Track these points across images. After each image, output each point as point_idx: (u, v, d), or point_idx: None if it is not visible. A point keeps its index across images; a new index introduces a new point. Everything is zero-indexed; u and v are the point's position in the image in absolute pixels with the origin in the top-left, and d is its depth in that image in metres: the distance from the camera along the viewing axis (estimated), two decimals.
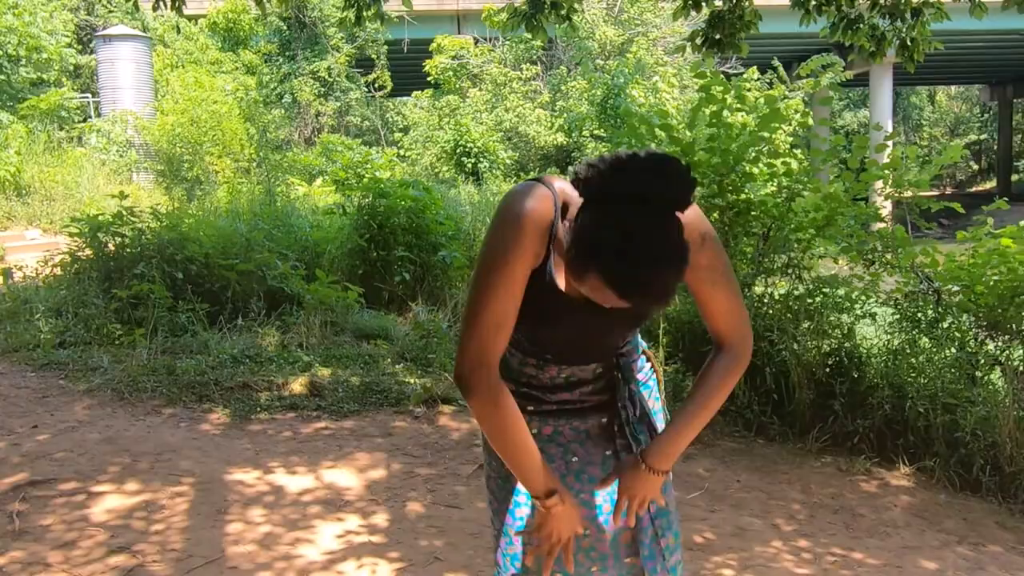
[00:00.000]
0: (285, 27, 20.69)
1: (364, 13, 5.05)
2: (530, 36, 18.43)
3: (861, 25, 4.80)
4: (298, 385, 5.08)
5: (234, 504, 3.44)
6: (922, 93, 42.34)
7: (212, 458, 3.97)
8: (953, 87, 40.92)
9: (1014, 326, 4.83)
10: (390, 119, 26.45)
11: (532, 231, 1.40)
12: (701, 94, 5.58)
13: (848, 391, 4.32)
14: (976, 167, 39.90)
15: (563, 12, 4.88)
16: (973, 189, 36.48)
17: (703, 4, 4.83)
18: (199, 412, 4.65)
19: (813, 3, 4.81)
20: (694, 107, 5.68)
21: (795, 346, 4.70)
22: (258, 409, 4.71)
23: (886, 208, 6.40)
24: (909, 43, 4.79)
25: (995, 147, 36.81)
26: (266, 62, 20.98)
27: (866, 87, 27.33)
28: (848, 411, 4.24)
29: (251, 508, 3.40)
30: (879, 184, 5.53)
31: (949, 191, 36.69)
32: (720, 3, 4.85)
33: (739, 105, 5.88)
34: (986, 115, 39.97)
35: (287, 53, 21.20)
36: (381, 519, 3.34)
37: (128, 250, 6.57)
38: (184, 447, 4.10)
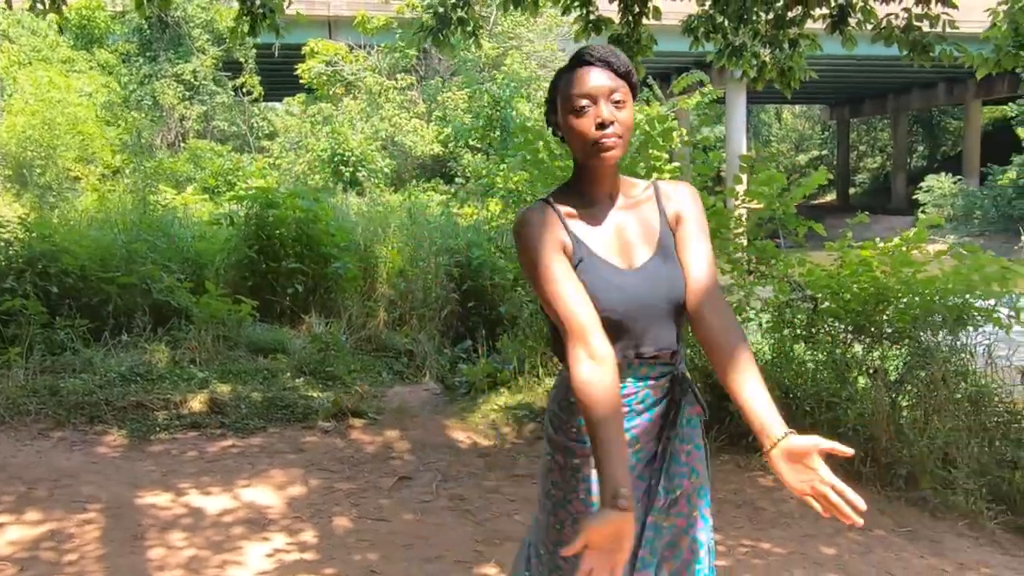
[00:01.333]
0: (146, 26, 19.68)
1: (259, 23, 4.95)
2: (404, 45, 18.18)
3: (745, 53, 5.17)
4: (197, 402, 4.91)
5: (150, 528, 3.31)
6: (770, 111, 45.30)
7: (115, 482, 3.79)
8: (798, 106, 43.99)
9: (876, 330, 5.32)
10: (256, 125, 25.67)
11: (539, 221, 1.63)
12: None
13: None
14: None
15: (469, 28, 4.98)
16: (816, 201, 39.32)
17: (603, 27, 5.06)
18: (92, 434, 4.42)
19: (702, 31, 5.14)
20: None
21: (689, 351, 5.00)
22: (157, 429, 4.52)
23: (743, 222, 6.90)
24: (787, 71, 5.20)
25: (835, 163, 39.83)
26: (124, 62, 19.89)
27: (722, 104, 29.02)
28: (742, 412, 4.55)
29: (169, 532, 3.28)
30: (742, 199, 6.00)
31: (797, 203, 39.40)
32: (619, 27, 5.09)
33: None
34: (826, 133, 43.21)
35: (148, 53, 20.18)
36: (309, 536, 3.31)
37: None
38: (82, 472, 3.89)
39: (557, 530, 1.66)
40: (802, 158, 42.82)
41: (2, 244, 6.20)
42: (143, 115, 19.03)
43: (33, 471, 3.84)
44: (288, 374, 5.65)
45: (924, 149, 38.96)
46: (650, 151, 5.79)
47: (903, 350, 5.14)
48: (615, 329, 1.59)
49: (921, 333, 5.13)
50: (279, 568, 3.02)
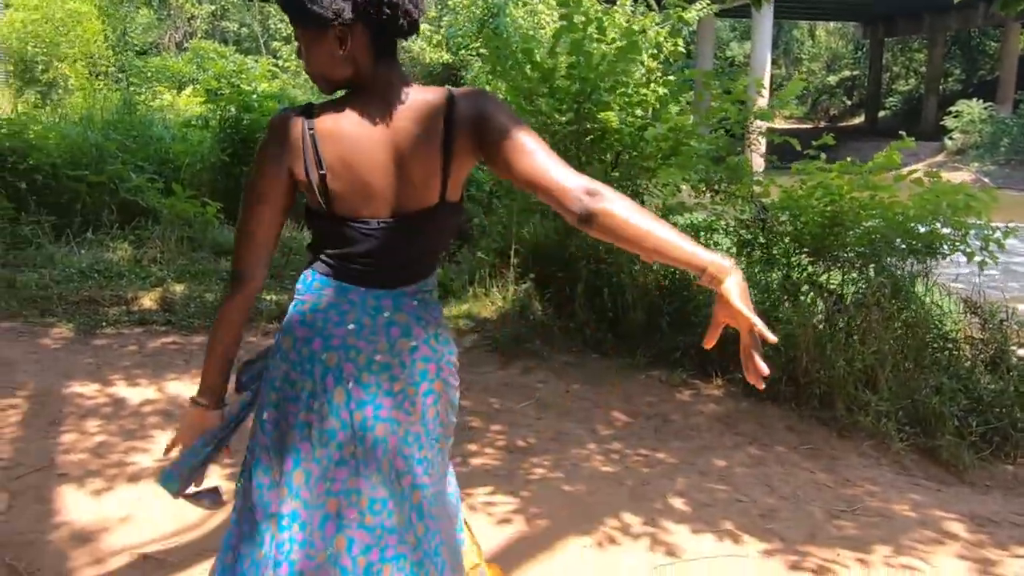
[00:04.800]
0: None
1: None
2: None
3: None
4: (148, 300, 5.05)
5: (70, 416, 3.46)
6: (803, 27, 43.65)
7: (51, 371, 3.94)
8: (832, 24, 42.33)
9: (832, 253, 5.29)
10: (272, 26, 25.23)
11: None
12: (563, 22, 5.70)
13: (675, 311, 4.67)
14: (848, 102, 41.78)
15: None
16: (842, 124, 38.29)
17: None
18: (40, 327, 4.57)
19: None
20: (554, 34, 5.80)
21: (635, 268, 5.02)
22: (104, 324, 4.67)
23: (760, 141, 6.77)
24: None
25: (866, 84, 38.56)
26: None
27: (748, 19, 28.06)
28: (673, 329, 4.60)
29: (87, 419, 3.44)
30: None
31: (823, 124, 38.44)
32: None
33: (599, 36, 6.02)
34: (859, 53, 41.69)
35: None
36: None
37: None
38: (22, 361, 4.05)
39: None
40: (832, 78, 41.47)
41: None
42: (151, 13, 18.78)
43: None
44: None
45: (960, 72, 37.50)
46: (619, 65, 5.60)
47: (864, 273, 5.14)
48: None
49: (885, 258, 5.12)
50: None
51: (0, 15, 14.32)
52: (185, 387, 3.87)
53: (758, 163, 8.30)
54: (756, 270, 5.24)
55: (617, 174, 5.52)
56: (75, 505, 2.74)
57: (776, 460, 3.54)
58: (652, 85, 6.21)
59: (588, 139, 5.67)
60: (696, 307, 4.68)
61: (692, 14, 9.34)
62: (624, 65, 5.70)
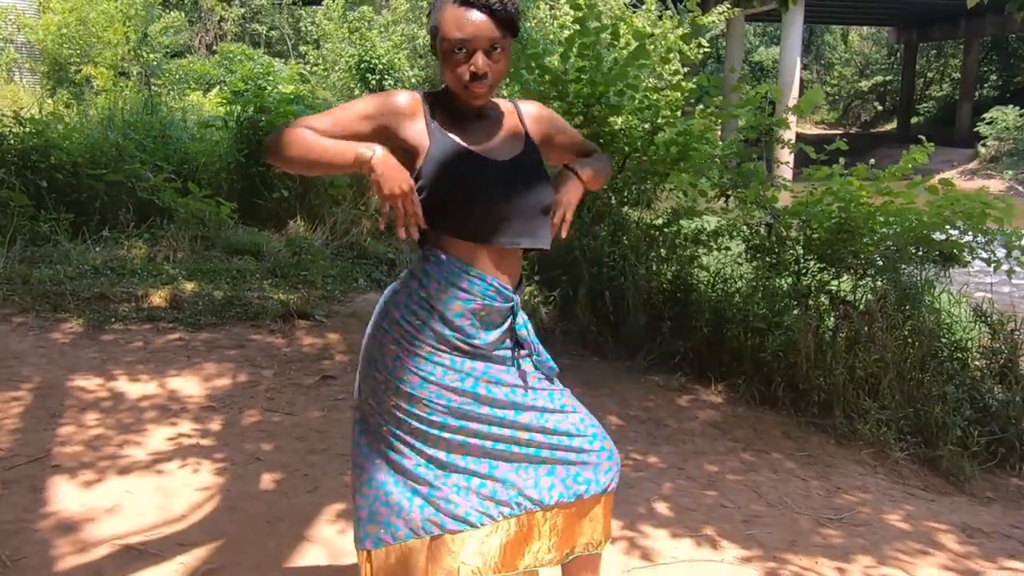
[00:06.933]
0: None
1: None
2: None
3: None
4: (158, 297, 5.13)
5: (70, 409, 3.53)
6: (836, 32, 43.18)
7: (56, 365, 4.03)
8: (865, 28, 41.80)
9: (842, 260, 5.23)
10: (303, 29, 25.49)
11: (392, 97, 1.69)
12: (576, 27, 5.71)
13: (677, 315, 4.65)
14: (880, 108, 41.24)
15: None
16: (874, 130, 37.80)
17: None
18: (51, 321, 4.67)
19: None
20: (568, 38, 5.81)
21: (643, 271, 5.00)
22: (113, 320, 4.75)
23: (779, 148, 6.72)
24: None
25: (899, 89, 37.99)
26: None
27: (780, 23, 27.77)
28: (674, 333, 4.58)
29: (86, 413, 3.51)
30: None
31: (854, 130, 37.98)
32: None
33: (612, 40, 6.01)
34: (892, 58, 41.12)
35: None
36: (215, 425, 3.50)
37: None
38: (29, 355, 4.14)
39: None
40: (865, 84, 40.95)
41: None
42: (182, 15, 19.07)
43: None
44: (257, 276, 5.84)
45: (997, 79, 36.79)
46: (627, 69, 5.60)
47: (875, 282, 5.08)
48: (481, 216, 1.64)
49: (896, 265, 5.07)
50: (173, 451, 3.22)
51: (37, 18, 14.64)
52: (185, 383, 3.93)
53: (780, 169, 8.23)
54: (765, 275, 5.22)
55: (626, 176, 5.52)
56: (65, 496, 2.80)
57: (769, 467, 3.51)
58: (665, 90, 6.20)
59: (599, 142, 5.68)
60: (698, 311, 4.65)
61: (712, 18, 9.28)
62: (634, 70, 5.69)
